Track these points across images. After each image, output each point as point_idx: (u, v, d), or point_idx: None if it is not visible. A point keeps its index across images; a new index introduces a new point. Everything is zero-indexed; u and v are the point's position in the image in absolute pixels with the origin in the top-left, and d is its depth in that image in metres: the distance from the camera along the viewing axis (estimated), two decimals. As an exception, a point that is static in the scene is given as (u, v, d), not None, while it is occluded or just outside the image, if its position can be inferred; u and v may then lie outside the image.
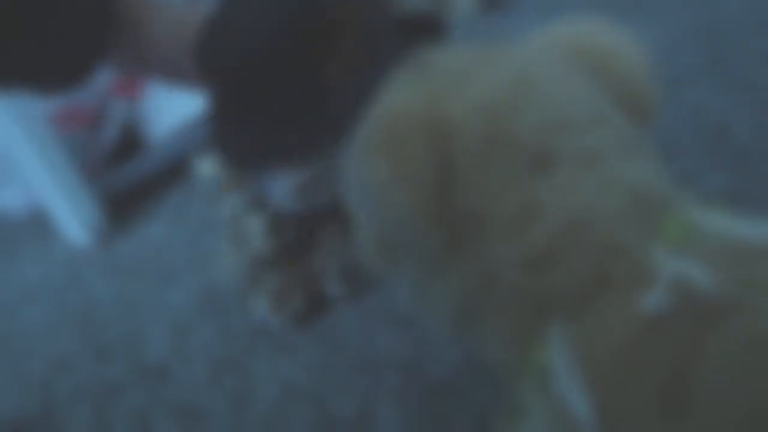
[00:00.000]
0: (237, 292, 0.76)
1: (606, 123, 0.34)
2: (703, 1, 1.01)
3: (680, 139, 0.74)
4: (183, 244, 0.90)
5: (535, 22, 0.40)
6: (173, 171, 1.01)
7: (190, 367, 0.72)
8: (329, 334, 0.68)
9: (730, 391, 0.25)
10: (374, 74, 0.56)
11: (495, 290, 0.33)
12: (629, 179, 0.32)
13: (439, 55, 0.37)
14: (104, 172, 1.07)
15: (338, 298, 0.72)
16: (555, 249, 0.31)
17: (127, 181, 1.06)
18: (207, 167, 0.76)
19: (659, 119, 0.39)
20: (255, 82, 0.54)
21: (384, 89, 0.37)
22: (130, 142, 1.06)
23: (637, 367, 0.27)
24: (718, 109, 0.77)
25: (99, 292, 0.95)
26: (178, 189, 1.00)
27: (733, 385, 0.25)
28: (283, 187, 0.67)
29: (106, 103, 1.06)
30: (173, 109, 1.02)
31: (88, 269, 1.03)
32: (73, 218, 1.09)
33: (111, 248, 1.06)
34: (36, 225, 1.24)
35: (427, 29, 0.64)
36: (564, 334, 0.30)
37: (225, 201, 0.74)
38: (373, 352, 0.63)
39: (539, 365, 0.31)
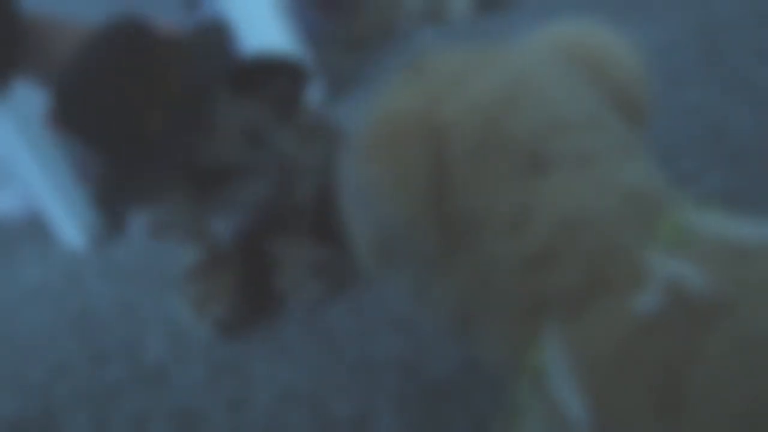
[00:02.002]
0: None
1: (601, 124, 0.34)
2: (701, 2, 1.02)
3: (678, 139, 0.74)
4: (179, 246, 0.90)
5: (532, 22, 0.41)
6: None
7: (188, 369, 0.71)
8: (327, 335, 0.68)
9: (724, 391, 0.25)
10: (195, 124, 0.62)
11: (492, 291, 0.33)
12: (624, 180, 0.32)
13: (436, 57, 0.37)
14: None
15: (300, 302, 0.74)
16: (551, 250, 0.31)
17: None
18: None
19: (657, 119, 0.39)
20: (90, 129, 0.62)
21: (381, 92, 0.37)
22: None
23: (632, 368, 0.27)
24: (715, 109, 0.77)
25: (97, 295, 0.95)
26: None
27: (727, 385, 0.25)
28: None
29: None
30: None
31: (86, 272, 1.03)
32: (70, 221, 1.09)
33: (108, 251, 1.06)
34: (33, 228, 1.24)
35: (288, 73, 0.70)
36: (560, 334, 0.30)
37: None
38: (372, 354, 0.63)
39: (535, 366, 0.31)
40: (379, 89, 0.37)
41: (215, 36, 0.64)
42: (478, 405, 0.53)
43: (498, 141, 0.32)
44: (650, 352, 0.27)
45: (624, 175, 0.32)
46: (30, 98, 0.81)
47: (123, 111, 0.60)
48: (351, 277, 0.74)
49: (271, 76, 0.68)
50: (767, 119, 0.71)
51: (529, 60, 0.36)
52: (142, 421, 0.67)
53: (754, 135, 0.70)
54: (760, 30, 0.88)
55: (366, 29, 1.50)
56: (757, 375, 0.25)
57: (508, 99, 0.33)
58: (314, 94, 1.22)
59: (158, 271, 0.91)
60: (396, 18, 1.49)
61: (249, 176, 0.67)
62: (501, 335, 0.34)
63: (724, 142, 0.71)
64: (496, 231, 0.32)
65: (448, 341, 0.60)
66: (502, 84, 0.34)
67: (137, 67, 0.60)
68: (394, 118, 0.35)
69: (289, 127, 0.70)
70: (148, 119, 0.60)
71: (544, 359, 0.30)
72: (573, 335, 0.30)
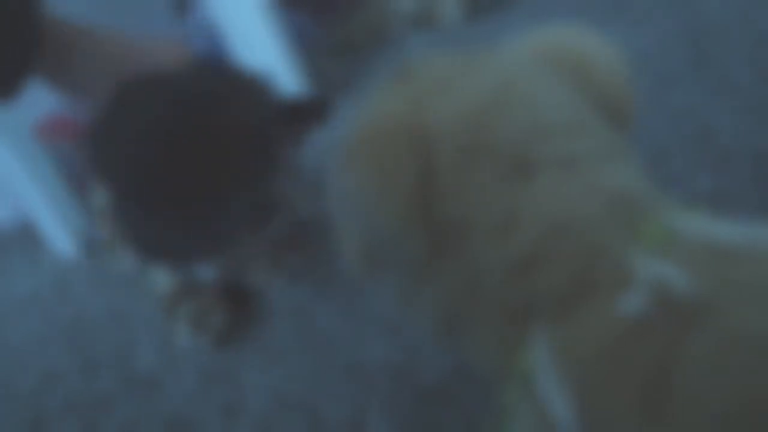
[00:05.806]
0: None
1: (586, 128, 0.34)
2: (687, 5, 1.02)
3: (666, 141, 0.75)
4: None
5: (523, 27, 0.41)
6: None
7: (180, 377, 0.71)
8: (319, 341, 0.68)
9: (709, 392, 0.25)
10: (267, 166, 0.58)
11: (479, 296, 0.33)
12: (609, 184, 0.32)
13: (422, 63, 0.38)
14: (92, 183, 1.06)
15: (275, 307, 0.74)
16: (537, 254, 0.31)
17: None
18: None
19: (645, 122, 0.39)
20: (146, 184, 0.56)
21: (369, 98, 0.37)
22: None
23: (618, 369, 0.27)
24: (702, 111, 0.78)
25: (87, 304, 0.94)
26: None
27: (712, 386, 0.25)
28: None
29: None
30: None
31: (77, 281, 1.02)
32: (61, 230, 1.09)
33: (99, 260, 1.05)
34: (24, 237, 1.24)
35: (313, 112, 0.69)
36: (546, 337, 0.30)
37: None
38: (364, 359, 0.63)
39: (523, 368, 0.31)
40: (368, 95, 0.38)
41: (261, 80, 0.62)
42: (469, 408, 0.53)
43: (483, 147, 0.32)
44: (636, 353, 0.27)
45: (608, 178, 0.32)
46: (20, 108, 0.81)
47: (192, 170, 0.55)
48: (311, 246, 0.73)
49: (301, 113, 0.68)
50: (754, 121, 0.72)
51: (515, 65, 0.36)
52: (134, 430, 0.67)
53: (742, 137, 0.71)
54: (745, 32, 0.89)
55: (356, 35, 1.50)
56: (741, 374, 0.25)
57: (493, 104, 0.34)
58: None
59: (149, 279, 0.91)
60: (387, 24, 1.50)
61: (288, 207, 0.66)
62: (489, 338, 0.34)
63: (711, 143, 0.72)
64: (483, 235, 0.32)
65: (440, 346, 0.60)
66: (488, 89, 0.34)
67: (200, 121, 0.55)
68: (380, 124, 0.35)
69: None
70: (220, 173, 0.55)
71: (532, 361, 0.31)
72: (559, 338, 0.30)
